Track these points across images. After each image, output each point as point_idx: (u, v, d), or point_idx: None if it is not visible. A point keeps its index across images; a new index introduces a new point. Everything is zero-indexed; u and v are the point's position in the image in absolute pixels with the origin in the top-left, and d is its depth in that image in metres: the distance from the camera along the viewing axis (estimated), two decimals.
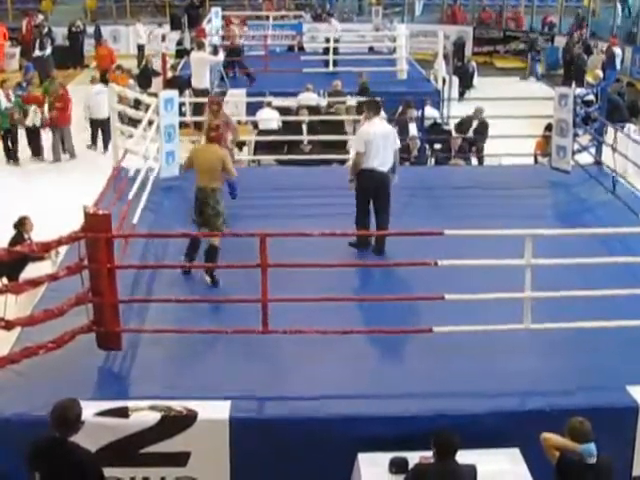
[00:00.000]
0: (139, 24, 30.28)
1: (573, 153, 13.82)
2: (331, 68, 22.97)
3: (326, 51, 24.08)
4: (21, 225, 12.18)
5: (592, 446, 6.74)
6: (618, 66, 25.66)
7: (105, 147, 19.94)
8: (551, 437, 6.94)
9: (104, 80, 22.11)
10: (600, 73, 22.74)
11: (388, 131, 10.75)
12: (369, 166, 10.43)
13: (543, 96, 17.32)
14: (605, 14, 33.07)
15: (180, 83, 19.33)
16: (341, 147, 16.80)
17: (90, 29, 31.38)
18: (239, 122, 18.14)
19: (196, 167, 9.90)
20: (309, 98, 18.98)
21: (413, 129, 16.75)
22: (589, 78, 24.20)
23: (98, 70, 26.96)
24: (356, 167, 10.54)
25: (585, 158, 14.38)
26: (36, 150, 19.80)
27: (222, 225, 9.77)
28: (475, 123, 17.49)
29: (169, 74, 21.89)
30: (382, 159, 10.46)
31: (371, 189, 10.56)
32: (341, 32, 25.32)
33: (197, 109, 17.89)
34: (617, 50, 26.21)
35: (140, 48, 29.20)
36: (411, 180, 13.89)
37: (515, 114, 15.18)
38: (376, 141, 10.40)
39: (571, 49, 28.06)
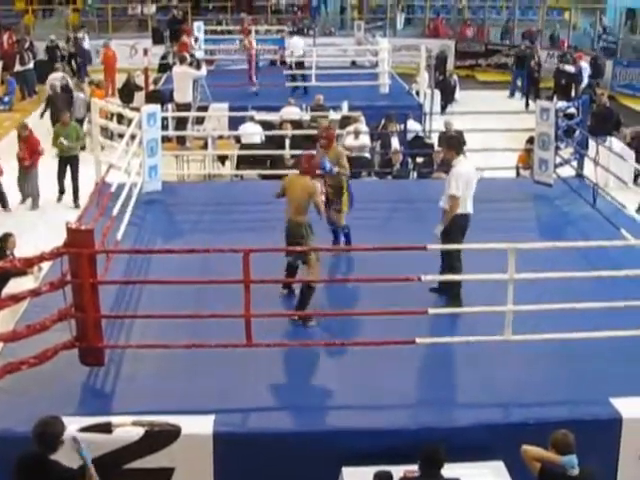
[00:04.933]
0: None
1: (555, 166, 13.89)
2: (298, 83, 23.39)
3: (294, 66, 24.35)
4: (4, 241, 12.14)
5: (574, 458, 6.76)
6: (585, 80, 25.71)
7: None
8: (531, 449, 6.95)
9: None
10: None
11: (474, 170, 10.08)
12: (466, 211, 9.72)
13: (525, 109, 17.40)
14: (586, 27, 33.38)
15: (160, 97, 19.30)
16: None
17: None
18: (221, 137, 18.19)
19: (287, 198, 9.70)
20: (292, 112, 19.01)
21: (395, 143, 16.81)
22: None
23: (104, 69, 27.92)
24: (452, 212, 9.60)
25: (567, 171, 14.46)
26: None
27: (315, 260, 9.40)
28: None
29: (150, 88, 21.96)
30: (471, 202, 9.84)
31: (464, 235, 9.74)
32: (302, 51, 25.53)
33: (180, 123, 17.91)
34: (584, 64, 26.33)
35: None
36: (393, 193, 13.96)
37: (497, 127, 15.25)
38: (470, 182, 9.72)
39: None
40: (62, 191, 17.69)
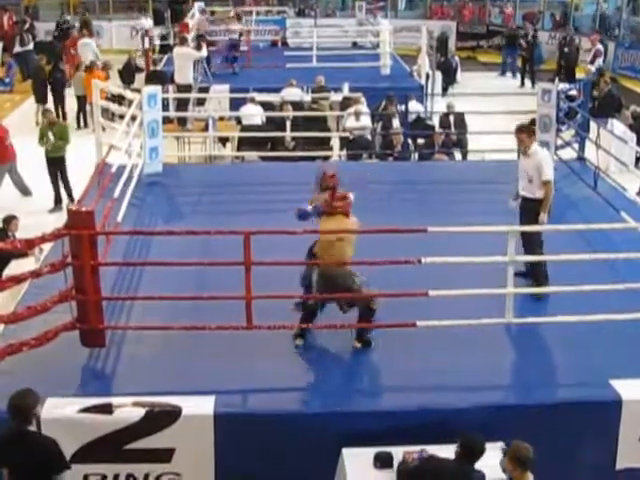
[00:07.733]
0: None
1: (556, 148, 13.87)
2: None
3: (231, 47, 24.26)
4: (6, 223, 12.13)
5: None
6: (601, 62, 25.68)
7: None
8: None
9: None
10: (592, 68, 23.08)
11: None
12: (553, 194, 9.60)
13: (527, 91, 17.35)
14: (588, 9, 33.20)
15: (160, 78, 19.24)
16: (325, 143, 16.80)
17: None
18: (222, 118, 18.17)
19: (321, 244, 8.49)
20: (293, 93, 18.96)
21: (396, 124, 16.78)
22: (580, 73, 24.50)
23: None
24: (550, 197, 9.44)
25: (569, 153, 14.44)
26: None
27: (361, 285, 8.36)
28: (452, 118, 17.61)
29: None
30: None
31: None
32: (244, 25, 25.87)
33: (180, 105, 17.89)
34: (600, 47, 26.27)
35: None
36: (394, 175, 13.94)
37: (499, 109, 15.22)
38: (552, 165, 9.69)
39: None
40: (58, 200, 15.81)
